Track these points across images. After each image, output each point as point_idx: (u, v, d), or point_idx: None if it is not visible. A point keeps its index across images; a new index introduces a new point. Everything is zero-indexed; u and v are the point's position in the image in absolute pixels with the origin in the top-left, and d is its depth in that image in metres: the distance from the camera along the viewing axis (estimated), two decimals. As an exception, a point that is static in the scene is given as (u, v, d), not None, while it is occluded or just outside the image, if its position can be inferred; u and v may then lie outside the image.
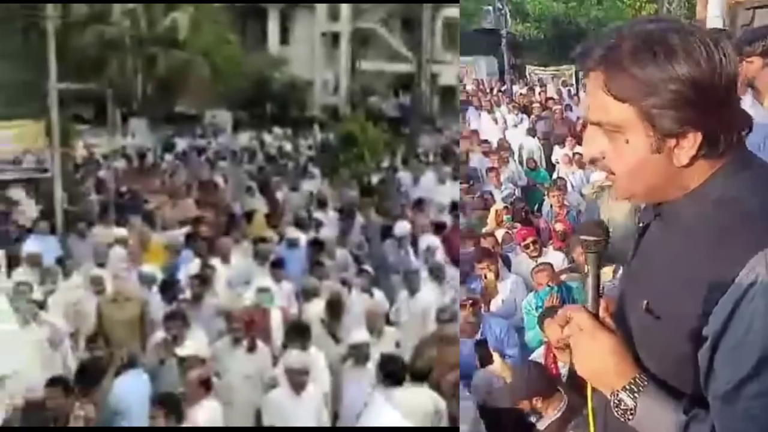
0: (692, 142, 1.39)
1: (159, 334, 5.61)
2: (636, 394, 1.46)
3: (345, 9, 27.93)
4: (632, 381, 1.47)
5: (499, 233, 7.89)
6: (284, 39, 29.52)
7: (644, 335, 1.51)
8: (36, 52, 10.85)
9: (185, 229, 8.81)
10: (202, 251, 7.67)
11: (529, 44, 24.31)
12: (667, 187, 1.46)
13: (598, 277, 1.61)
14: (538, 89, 18.12)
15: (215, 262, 7.31)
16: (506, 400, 4.55)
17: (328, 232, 8.83)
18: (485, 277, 6.52)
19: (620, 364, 1.49)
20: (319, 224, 9.18)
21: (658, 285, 1.47)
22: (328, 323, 5.95)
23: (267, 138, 21.41)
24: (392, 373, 4.61)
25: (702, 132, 1.39)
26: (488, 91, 17.92)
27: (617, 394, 1.48)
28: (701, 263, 1.38)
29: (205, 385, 4.74)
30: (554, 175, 11.09)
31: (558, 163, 11.77)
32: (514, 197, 9.73)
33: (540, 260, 6.63)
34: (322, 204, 10.35)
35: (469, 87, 18.27)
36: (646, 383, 1.47)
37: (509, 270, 6.95)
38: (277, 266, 7.07)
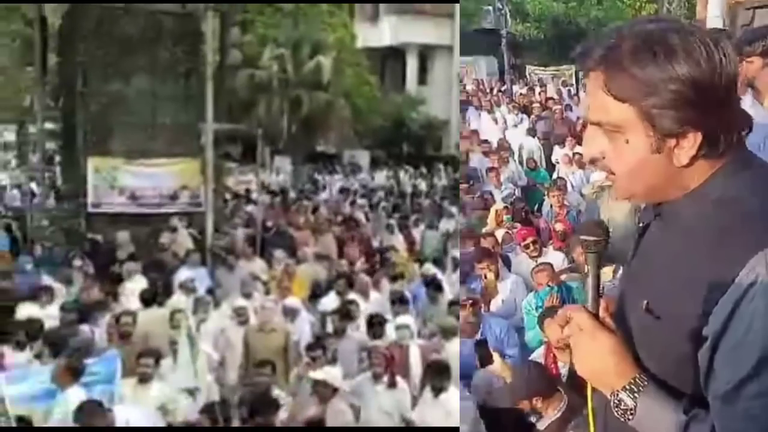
0: (692, 142, 1.39)
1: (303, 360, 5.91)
2: (636, 394, 1.46)
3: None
4: (632, 381, 1.47)
5: (499, 233, 7.89)
6: (422, 79, 30.26)
7: (644, 335, 1.51)
8: (195, 95, 11.80)
9: (327, 264, 9.25)
10: (342, 286, 7.89)
11: (529, 44, 24.28)
12: (667, 187, 1.46)
13: (598, 277, 1.61)
14: (538, 89, 18.10)
15: (355, 296, 7.50)
16: (506, 400, 4.55)
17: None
18: (485, 277, 6.52)
19: (620, 364, 1.49)
20: (457, 263, 9.34)
21: (658, 285, 1.47)
22: None
23: (403, 176, 22.13)
24: None
25: (702, 132, 1.39)
26: (488, 91, 17.90)
27: (617, 394, 1.48)
28: (701, 263, 1.38)
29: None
30: (554, 175, 11.08)
31: (558, 163, 11.77)
32: (514, 197, 9.73)
33: (540, 260, 6.63)
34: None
35: (469, 87, 18.26)
36: (646, 383, 1.47)
37: (509, 270, 6.95)
38: (404, 302, 7.19)
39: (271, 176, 20.20)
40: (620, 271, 4.41)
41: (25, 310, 7.01)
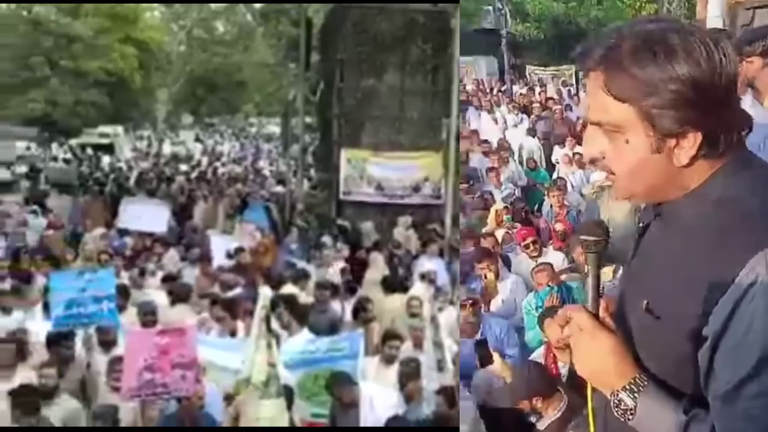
0: (692, 142, 1.39)
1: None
2: (636, 394, 1.46)
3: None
4: (632, 381, 1.47)
5: (499, 233, 7.89)
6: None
7: (644, 335, 1.51)
8: (440, 90, 12.46)
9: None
10: None
11: (529, 44, 24.29)
12: (667, 187, 1.46)
13: (598, 277, 1.61)
14: (538, 89, 18.09)
15: None
16: (506, 400, 4.55)
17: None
18: (485, 277, 6.52)
19: (620, 364, 1.49)
20: None
21: (658, 285, 1.47)
22: None
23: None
24: None
25: (702, 132, 1.39)
26: (488, 91, 17.89)
27: (617, 394, 1.48)
28: (701, 263, 1.38)
29: None
30: (554, 175, 11.08)
31: (558, 163, 11.77)
32: (514, 197, 9.73)
33: (540, 260, 6.63)
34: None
35: (469, 87, 18.24)
36: (646, 383, 1.47)
37: (509, 270, 6.95)
38: None
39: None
40: (620, 271, 4.41)
41: (286, 288, 7.43)
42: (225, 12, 33.42)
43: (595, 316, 1.57)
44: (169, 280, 7.70)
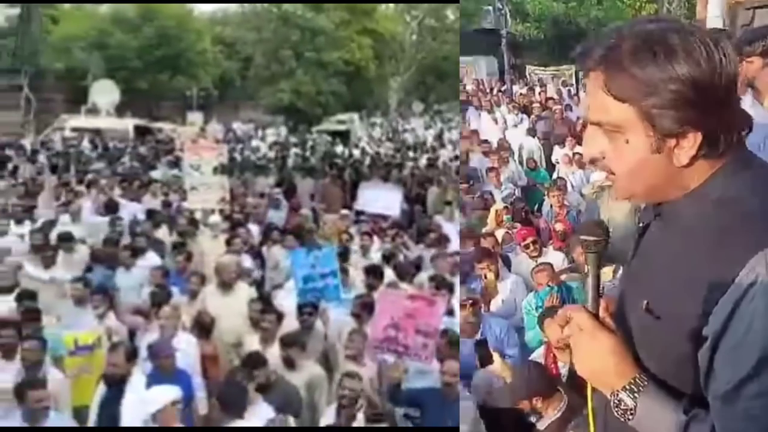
0: (692, 142, 1.39)
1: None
2: (636, 394, 1.46)
3: None
4: (632, 381, 1.47)
5: (499, 233, 7.89)
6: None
7: (644, 335, 1.51)
8: None
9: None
10: None
11: (529, 44, 24.31)
12: (667, 187, 1.46)
13: (598, 277, 1.61)
14: (538, 89, 18.09)
15: None
16: (506, 400, 4.55)
17: None
18: (485, 277, 6.52)
19: (620, 364, 1.49)
20: None
21: (658, 285, 1.47)
22: None
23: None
24: None
25: (702, 132, 1.39)
26: (488, 91, 17.89)
27: (617, 394, 1.48)
28: (701, 263, 1.38)
29: None
30: (554, 175, 11.09)
31: (558, 163, 11.77)
32: (514, 197, 9.72)
33: (540, 260, 6.63)
34: None
35: (469, 87, 18.24)
36: (646, 383, 1.47)
37: (509, 270, 6.95)
38: None
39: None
40: (620, 271, 4.41)
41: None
42: (455, -1, 34.27)
43: (595, 316, 1.57)
44: (391, 258, 7.90)
